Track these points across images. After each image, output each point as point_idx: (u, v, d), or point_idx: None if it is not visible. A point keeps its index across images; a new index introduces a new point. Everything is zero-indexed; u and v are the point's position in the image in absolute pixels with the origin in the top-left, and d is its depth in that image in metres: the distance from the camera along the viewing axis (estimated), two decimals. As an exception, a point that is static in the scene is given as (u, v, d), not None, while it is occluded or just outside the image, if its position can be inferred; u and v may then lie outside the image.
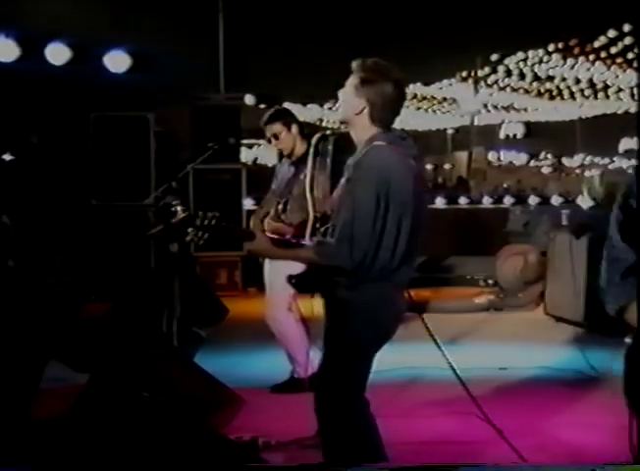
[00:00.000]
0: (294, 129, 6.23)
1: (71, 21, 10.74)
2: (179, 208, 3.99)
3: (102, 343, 5.72)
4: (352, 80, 3.72)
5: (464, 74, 22.05)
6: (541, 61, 21.28)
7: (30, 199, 10.61)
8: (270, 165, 17.12)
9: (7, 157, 12.50)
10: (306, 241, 3.90)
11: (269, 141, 6.36)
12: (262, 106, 13.24)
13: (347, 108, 3.73)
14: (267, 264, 6.25)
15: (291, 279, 3.79)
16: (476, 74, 21.74)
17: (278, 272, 5.90)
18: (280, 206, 6.02)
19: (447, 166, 24.34)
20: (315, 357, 5.87)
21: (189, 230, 3.85)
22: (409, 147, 3.78)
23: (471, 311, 9.81)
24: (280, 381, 6.34)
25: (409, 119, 22.56)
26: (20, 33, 9.68)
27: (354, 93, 3.71)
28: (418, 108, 24.64)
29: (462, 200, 15.87)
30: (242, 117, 11.25)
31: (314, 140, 4.09)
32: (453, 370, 4.68)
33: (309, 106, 20.08)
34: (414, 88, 23.01)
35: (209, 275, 10.80)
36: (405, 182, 3.65)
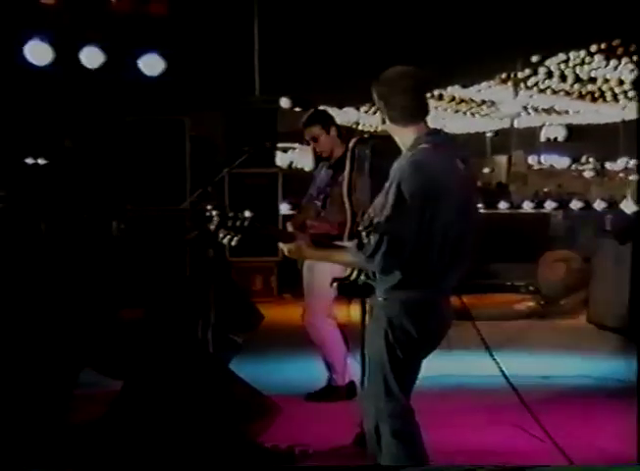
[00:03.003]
0: (333, 131, 6.29)
1: (105, 23, 10.84)
2: (214, 213, 4.00)
3: (137, 350, 5.75)
4: (375, 96, 3.80)
5: (504, 76, 21.95)
6: (583, 62, 21.13)
7: (65, 205, 10.71)
8: (307, 169, 17.13)
9: (41, 161, 12.64)
10: (346, 243, 3.89)
11: (307, 143, 6.41)
12: (297, 109, 13.28)
13: (380, 120, 3.81)
14: (306, 267, 6.28)
15: (334, 281, 3.79)
16: (516, 75, 21.64)
17: (318, 276, 5.96)
18: (319, 206, 6.07)
19: (486, 170, 24.20)
20: (353, 364, 5.89)
21: (221, 231, 3.82)
22: (458, 149, 3.79)
23: (512, 319, 9.74)
24: (316, 388, 6.34)
25: (447, 122, 22.51)
26: (54, 36, 9.76)
27: (377, 105, 3.78)
28: (457, 111, 24.56)
29: (502, 205, 15.77)
30: (278, 120, 11.28)
31: (352, 143, 4.12)
32: (506, 378, 4.63)
33: (345, 109, 20.05)
34: (452, 91, 22.95)
35: (244, 280, 10.80)
36: (453, 185, 3.62)
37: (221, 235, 3.82)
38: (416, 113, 3.74)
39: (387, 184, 3.66)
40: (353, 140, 4.14)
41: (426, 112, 3.78)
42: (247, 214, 3.87)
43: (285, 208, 11.47)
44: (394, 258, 3.54)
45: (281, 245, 3.86)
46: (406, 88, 3.72)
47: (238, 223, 3.80)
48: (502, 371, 4.62)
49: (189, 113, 10.95)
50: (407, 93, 3.71)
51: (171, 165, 10.67)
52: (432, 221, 3.56)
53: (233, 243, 3.82)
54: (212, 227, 3.85)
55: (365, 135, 4.18)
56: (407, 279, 3.60)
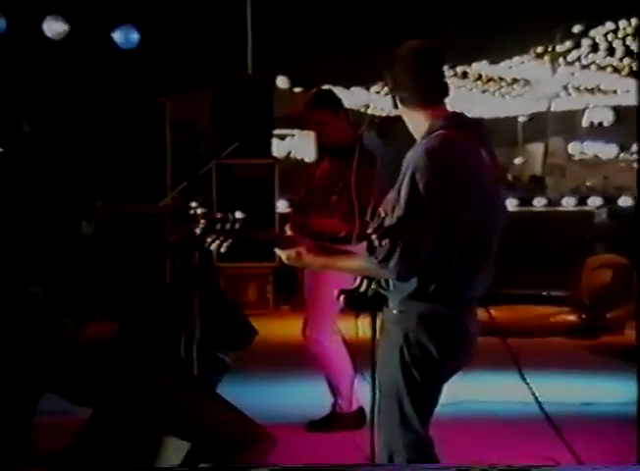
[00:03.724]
0: (342, 115, 6.35)
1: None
2: (200, 212, 4.03)
3: (108, 371, 5.78)
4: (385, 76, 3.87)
5: (540, 49, 21.96)
6: (635, 32, 21.11)
7: (22, 202, 10.72)
8: (308, 159, 17.15)
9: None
10: (354, 247, 3.95)
11: (312, 129, 6.44)
12: (297, 89, 13.31)
13: (392, 103, 3.86)
14: (308, 276, 6.34)
15: (341, 294, 3.84)
16: (554, 49, 21.65)
17: (321, 284, 6.00)
18: (323, 203, 6.11)
19: (518, 161, 24.15)
20: (361, 388, 5.92)
21: (209, 235, 3.85)
22: (482, 136, 3.82)
23: (548, 335, 9.77)
24: (319, 416, 6.39)
25: (473, 104, 22.50)
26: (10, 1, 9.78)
27: (387, 86, 3.85)
28: (483, 91, 24.55)
29: (537, 202, 15.79)
30: (274, 102, 11.25)
31: (361, 130, 4.14)
32: (540, 405, 4.67)
33: (353, 89, 20.06)
34: (478, 67, 22.93)
35: (235, 290, 10.83)
36: (476, 177, 3.67)
37: (208, 240, 3.85)
38: (432, 94, 3.78)
39: (400, 177, 3.71)
40: (363, 126, 4.17)
41: (444, 93, 3.82)
42: (239, 215, 3.91)
43: (282, 206, 11.48)
44: (410, 264, 3.56)
45: (278, 252, 3.90)
46: (419, 65, 3.77)
47: (227, 225, 3.83)
48: (535, 396, 4.65)
49: (171, 94, 10.97)
50: (420, 71, 3.76)
51: (149, 155, 10.69)
52: (453, 220, 3.59)
53: (222, 250, 3.86)
54: (198, 230, 3.89)
55: (376, 120, 4.20)
56: (426, 288, 3.64)
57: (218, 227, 3.83)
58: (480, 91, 24.61)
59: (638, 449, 3.30)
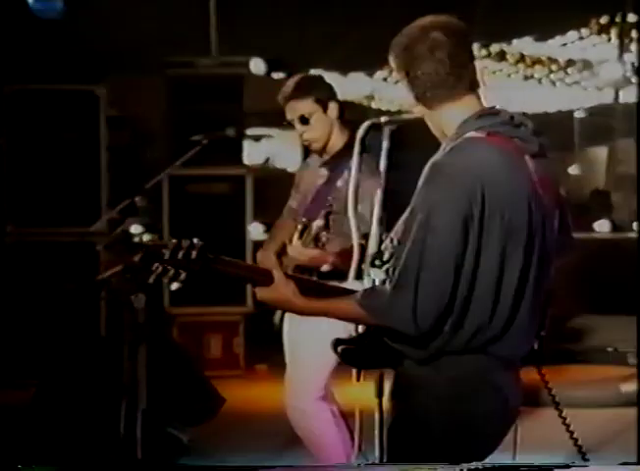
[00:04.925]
0: (333, 109, 6.31)
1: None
2: (146, 238, 4.07)
3: (17, 451, 5.84)
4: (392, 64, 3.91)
5: (603, 20, 22.11)
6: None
7: None
8: (291, 169, 17.22)
9: None
10: (351, 285, 4.00)
11: (295, 126, 6.47)
12: (276, 76, 13.38)
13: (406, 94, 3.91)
14: (288, 323, 6.34)
15: (337, 345, 3.84)
16: (624, 20, 21.80)
17: (308, 335, 6.05)
18: (307, 229, 6.15)
19: (573, 170, 24.25)
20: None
21: (156, 266, 3.85)
22: (527, 140, 3.82)
23: (616, 405, 9.81)
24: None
25: (513, 95, 22.60)
26: None
27: (398, 78, 3.90)
28: (527, 77, 24.61)
29: (600, 226, 15.88)
30: (246, 93, 11.35)
31: (361, 131, 4.18)
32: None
33: (352, 75, 20.14)
34: (521, 45, 22.99)
35: (195, 344, 10.85)
36: (516, 196, 3.69)
37: (156, 273, 3.86)
38: (456, 85, 3.81)
39: (416, 195, 3.75)
40: (364, 126, 4.22)
41: (473, 83, 3.86)
42: (197, 241, 3.92)
43: (257, 230, 11.52)
44: (429, 310, 3.59)
45: (256, 292, 3.90)
46: (437, 48, 3.78)
47: (181, 254, 3.84)
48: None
49: (107, 80, 10.99)
50: (439, 56, 3.78)
51: (77, 162, 10.73)
52: (480, 253, 3.64)
53: (174, 286, 3.89)
54: (141, 260, 3.91)
55: (382, 119, 4.25)
56: (451, 341, 3.68)
57: (167, 255, 3.84)
58: (522, 78, 24.64)
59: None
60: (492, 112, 3.83)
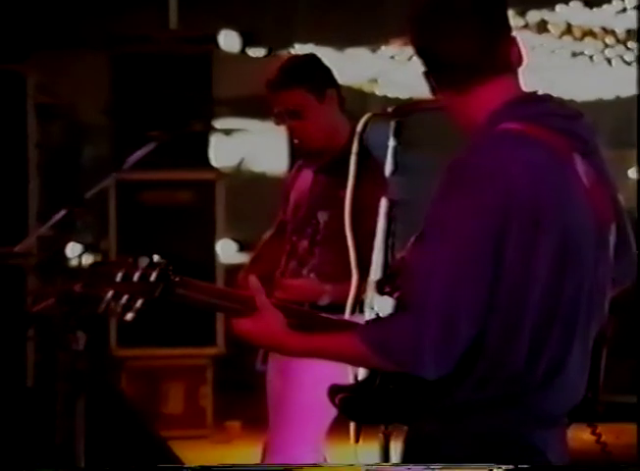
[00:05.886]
0: (331, 98, 6.32)
1: None
2: (86, 259, 4.08)
3: None
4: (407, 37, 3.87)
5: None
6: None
7: None
8: (274, 172, 17.26)
9: None
10: (349, 317, 3.99)
11: (280, 122, 6.47)
12: (255, 53, 13.41)
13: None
14: (275, 366, 6.35)
15: (336, 393, 3.78)
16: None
17: (296, 381, 6.06)
18: (300, 249, 6.17)
19: (632, 173, 24.30)
20: None
21: (106, 291, 3.80)
22: (577, 134, 3.76)
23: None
24: None
25: (558, 76, 22.66)
26: None
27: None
28: (576, 54, 24.67)
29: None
30: (215, 75, 11.46)
31: (361, 125, 4.20)
32: None
33: (350, 52, 20.13)
34: (566, 14, 23.01)
35: (149, 395, 10.93)
36: (563, 207, 3.63)
37: (106, 301, 3.83)
38: (486, 66, 3.76)
39: (430, 205, 3.66)
40: (364, 119, 4.23)
41: (506, 63, 3.80)
42: (157, 259, 3.91)
43: (229, 249, 11.69)
44: (453, 346, 3.57)
45: (234, 324, 3.87)
46: (462, 21, 3.79)
47: (137, 275, 3.81)
48: None
49: (36, 58, 11.09)
50: (465, 31, 3.79)
51: None
52: (523, 279, 3.60)
53: (129, 317, 3.81)
54: (84, 285, 3.92)
55: (389, 109, 4.27)
56: (477, 390, 3.63)
57: (120, 278, 3.80)
58: (569, 54, 24.69)
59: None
60: (533, 98, 3.74)
